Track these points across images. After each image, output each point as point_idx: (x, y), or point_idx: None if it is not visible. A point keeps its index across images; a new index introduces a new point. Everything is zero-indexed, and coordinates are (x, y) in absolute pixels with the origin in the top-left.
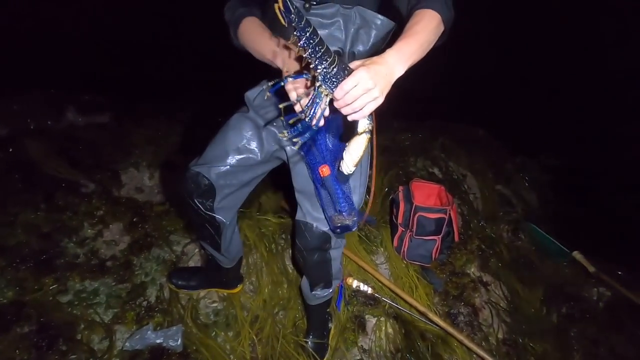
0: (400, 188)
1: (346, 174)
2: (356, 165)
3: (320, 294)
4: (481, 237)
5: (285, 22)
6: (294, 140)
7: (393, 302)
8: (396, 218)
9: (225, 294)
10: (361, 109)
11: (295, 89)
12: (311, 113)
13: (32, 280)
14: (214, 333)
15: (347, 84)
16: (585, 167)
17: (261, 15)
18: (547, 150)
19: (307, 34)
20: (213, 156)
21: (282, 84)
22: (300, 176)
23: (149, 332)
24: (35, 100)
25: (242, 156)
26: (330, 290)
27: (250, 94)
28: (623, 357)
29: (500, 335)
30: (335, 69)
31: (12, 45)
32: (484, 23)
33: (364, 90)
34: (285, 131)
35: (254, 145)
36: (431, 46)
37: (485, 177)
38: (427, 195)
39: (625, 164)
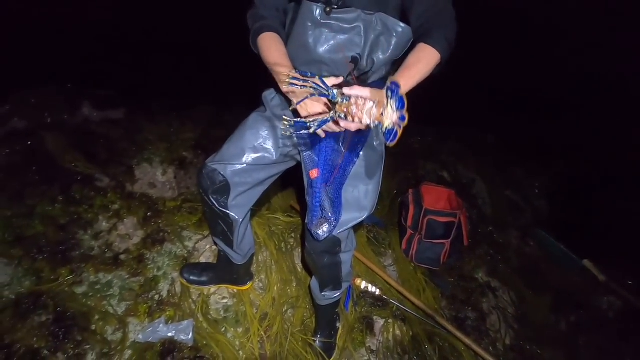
0: (410, 191)
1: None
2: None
3: (330, 295)
4: (490, 243)
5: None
6: (291, 131)
7: (401, 304)
8: (405, 220)
9: (235, 290)
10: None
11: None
12: (316, 126)
13: (49, 270)
14: (224, 329)
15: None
16: (596, 174)
17: (279, 30)
18: (557, 156)
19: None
20: (229, 154)
21: (308, 124)
22: None
23: (161, 326)
24: (52, 95)
25: (257, 155)
26: (340, 292)
27: (268, 94)
28: None
29: (507, 342)
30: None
31: (30, 39)
32: (496, 29)
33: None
34: (287, 124)
35: (269, 144)
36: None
37: (494, 182)
38: (437, 198)
39: (638, 171)
